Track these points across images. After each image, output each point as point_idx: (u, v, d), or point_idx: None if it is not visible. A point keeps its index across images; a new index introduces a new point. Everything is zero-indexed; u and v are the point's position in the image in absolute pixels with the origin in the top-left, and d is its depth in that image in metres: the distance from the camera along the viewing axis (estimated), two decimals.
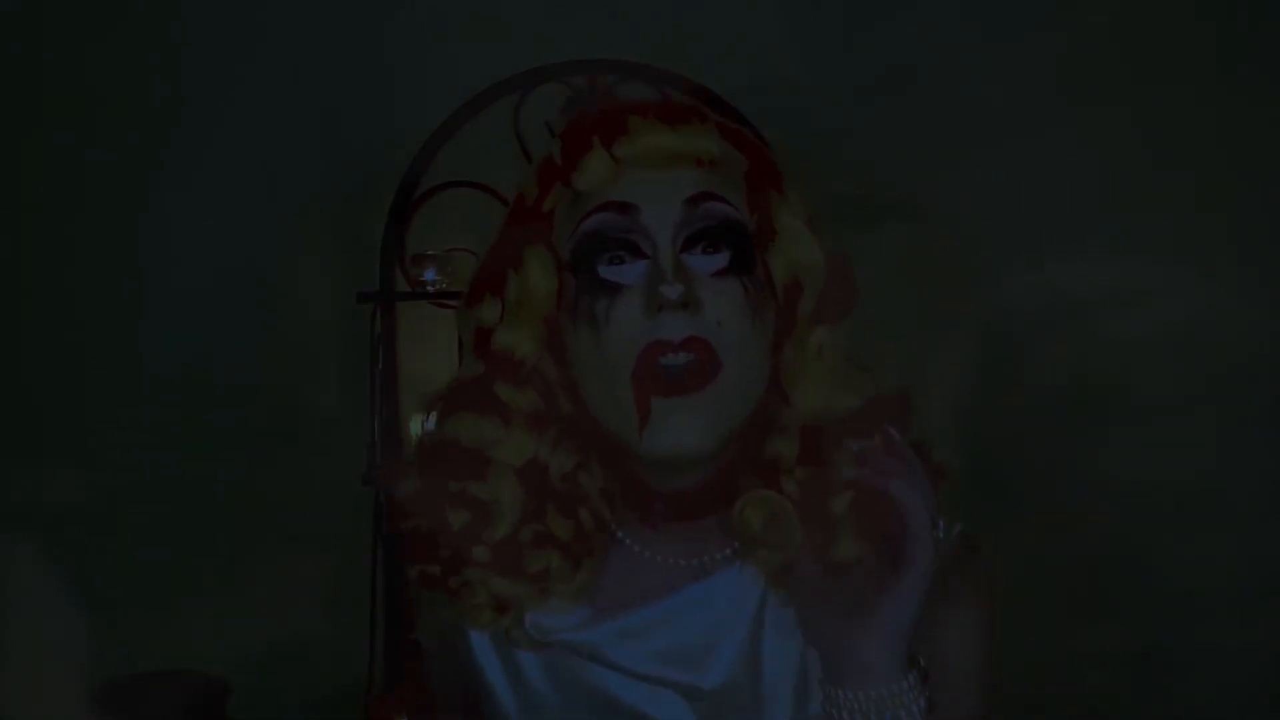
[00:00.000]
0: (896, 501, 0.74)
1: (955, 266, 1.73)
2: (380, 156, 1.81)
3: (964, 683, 0.82)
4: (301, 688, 1.84)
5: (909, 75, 1.78)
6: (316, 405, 1.86)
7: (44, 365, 1.86)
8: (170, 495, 1.86)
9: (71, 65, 1.85)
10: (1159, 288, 1.68)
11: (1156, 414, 1.75)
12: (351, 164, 1.85)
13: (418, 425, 1.78)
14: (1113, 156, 1.77)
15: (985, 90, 1.78)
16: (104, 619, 1.77)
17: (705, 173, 0.79)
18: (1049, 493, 1.69)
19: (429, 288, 1.77)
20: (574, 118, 0.83)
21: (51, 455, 1.87)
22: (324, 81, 1.82)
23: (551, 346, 0.81)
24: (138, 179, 1.85)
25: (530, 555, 0.82)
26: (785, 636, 0.82)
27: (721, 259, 0.77)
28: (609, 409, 0.78)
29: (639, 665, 0.82)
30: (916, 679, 0.75)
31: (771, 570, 0.81)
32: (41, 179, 1.86)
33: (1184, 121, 1.76)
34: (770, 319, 0.80)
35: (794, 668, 0.82)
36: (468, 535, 0.81)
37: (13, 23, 1.84)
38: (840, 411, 0.80)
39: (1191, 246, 1.73)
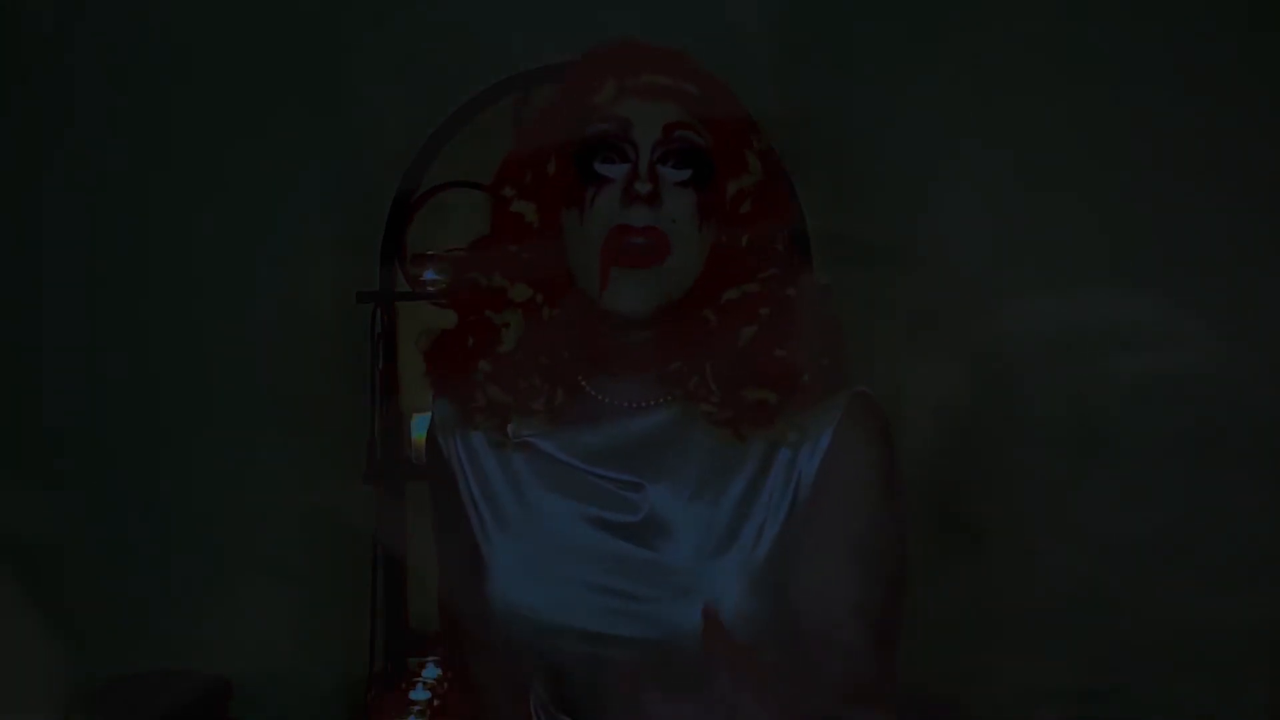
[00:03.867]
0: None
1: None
2: (380, 156, 1.81)
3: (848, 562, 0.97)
4: (301, 688, 1.84)
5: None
6: (316, 405, 1.86)
7: (53, 361, 1.88)
8: (169, 493, 1.86)
9: (70, 65, 1.85)
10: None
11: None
12: (351, 164, 1.85)
13: (419, 424, 1.78)
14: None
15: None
16: (105, 619, 1.78)
17: (684, 110, 1.02)
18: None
19: (429, 288, 1.77)
20: (595, 50, 1.06)
21: (52, 454, 1.87)
22: (323, 81, 1.82)
23: (552, 217, 1.04)
24: (136, 179, 1.86)
25: (521, 379, 1.05)
26: (735, 478, 1.01)
27: (685, 173, 1.01)
28: (582, 271, 1.01)
29: (588, 463, 1.03)
30: None
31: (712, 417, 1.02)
32: (38, 180, 1.86)
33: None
34: (715, 227, 1.03)
35: (742, 506, 1.00)
36: (480, 349, 1.05)
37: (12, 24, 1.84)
38: (747, 290, 1.03)
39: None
